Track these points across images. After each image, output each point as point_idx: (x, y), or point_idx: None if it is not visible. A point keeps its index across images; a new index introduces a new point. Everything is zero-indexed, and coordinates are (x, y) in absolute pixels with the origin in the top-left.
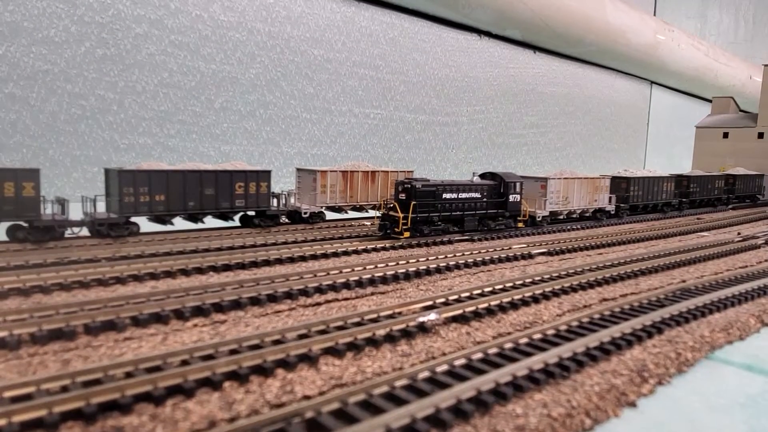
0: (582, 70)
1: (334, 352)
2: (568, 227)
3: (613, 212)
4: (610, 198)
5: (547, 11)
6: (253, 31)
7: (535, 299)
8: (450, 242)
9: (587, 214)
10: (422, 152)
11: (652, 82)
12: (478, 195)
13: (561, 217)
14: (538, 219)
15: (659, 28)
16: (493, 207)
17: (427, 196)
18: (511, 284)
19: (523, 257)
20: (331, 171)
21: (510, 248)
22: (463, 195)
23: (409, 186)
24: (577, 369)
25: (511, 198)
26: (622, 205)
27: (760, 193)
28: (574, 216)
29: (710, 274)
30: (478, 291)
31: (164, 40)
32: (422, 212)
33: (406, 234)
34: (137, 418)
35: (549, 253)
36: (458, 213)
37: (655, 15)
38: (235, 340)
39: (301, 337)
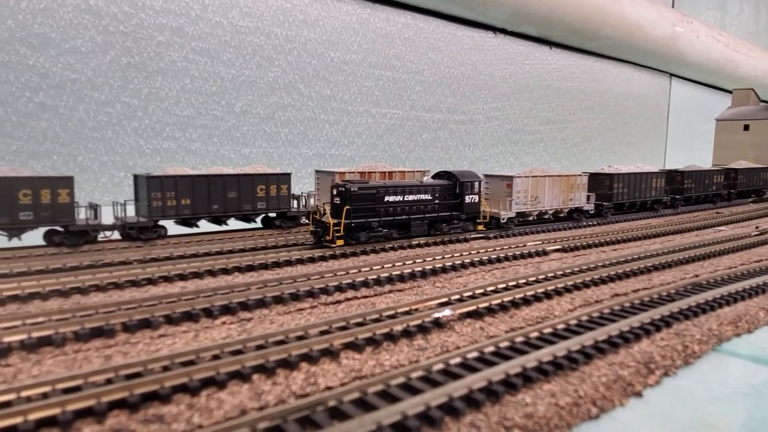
0: (599, 65)
1: (354, 346)
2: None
3: (592, 212)
4: (588, 196)
5: (562, 6)
6: (271, 35)
7: (548, 295)
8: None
9: (562, 215)
10: (439, 151)
11: (672, 75)
12: (428, 197)
13: (531, 218)
14: (503, 221)
15: (678, 19)
16: (447, 209)
17: (365, 200)
18: (524, 281)
19: (538, 254)
20: (349, 172)
21: (525, 245)
22: (410, 197)
23: (344, 189)
24: (585, 361)
25: (468, 199)
26: (604, 203)
27: (767, 187)
28: (546, 217)
29: (724, 269)
30: (492, 287)
31: (185, 47)
32: (359, 217)
33: (340, 242)
34: (176, 407)
35: (563, 250)
36: (403, 217)
37: (673, 7)
38: (262, 336)
39: (323, 333)
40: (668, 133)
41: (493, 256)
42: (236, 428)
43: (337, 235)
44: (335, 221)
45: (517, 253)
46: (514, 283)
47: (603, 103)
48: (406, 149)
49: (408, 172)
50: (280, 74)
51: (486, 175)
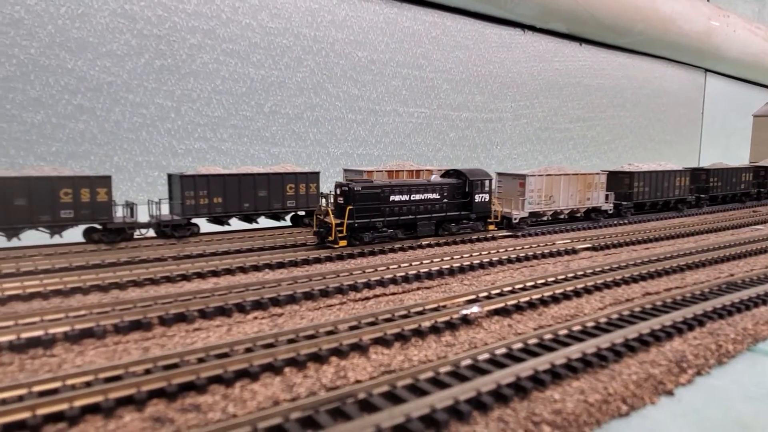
0: (631, 61)
1: (382, 342)
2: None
3: (611, 211)
4: (607, 196)
5: (593, 2)
6: (300, 36)
7: (577, 293)
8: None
9: (578, 215)
10: (466, 149)
11: (707, 70)
12: (435, 196)
13: (545, 218)
14: (515, 221)
15: (713, 13)
16: (455, 208)
17: (370, 199)
18: (553, 279)
19: (567, 252)
20: (377, 171)
21: (554, 244)
22: (417, 196)
23: (347, 188)
24: (615, 359)
25: (478, 198)
26: (624, 203)
27: None
28: (562, 217)
29: (761, 268)
30: (521, 285)
31: (216, 48)
32: (363, 217)
33: (342, 243)
34: (211, 397)
35: (594, 249)
36: (409, 217)
37: (708, 0)
38: (293, 330)
39: (353, 328)
40: (703, 130)
41: (521, 255)
42: (270, 417)
43: (339, 235)
44: (338, 221)
45: (546, 251)
46: (542, 281)
47: (635, 100)
48: (434, 148)
49: (436, 170)
50: (309, 74)
51: (499, 174)
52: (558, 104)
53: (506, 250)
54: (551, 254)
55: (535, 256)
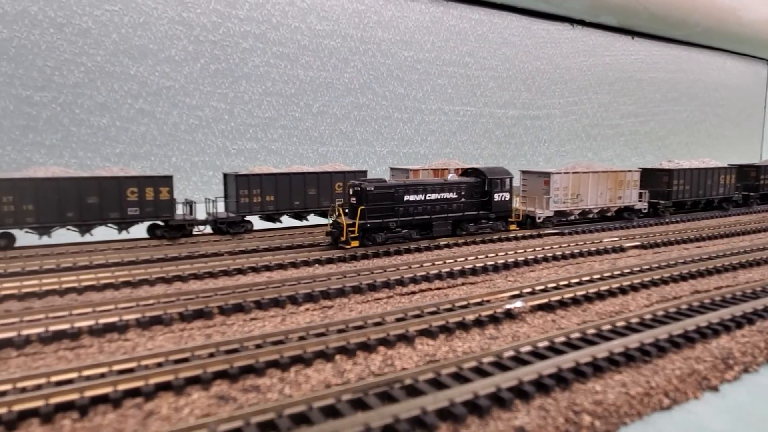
0: (687, 53)
1: (428, 333)
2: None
3: (645, 210)
4: (640, 194)
5: None
6: (347, 37)
7: (623, 290)
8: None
9: (609, 214)
10: (513, 147)
11: None
12: (452, 195)
13: (572, 217)
14: (539, 220)
15: None
16: (474, 208)
17: (383, 199)
18: (598, 276)
19: (614, 250)
20: (422, 169)
21: (601, 241)
22: (433, 196)
23: (359, 188)
24: (658, 354)
25: (497, 197)
26: (662, 202)
27: None
28: (591, 216)
29: None
30: (565, 282)
31: (267, 52)
32: (375, 218)
33: (354, 243)
34: (269, 379)
35: (642, 246)
36: (424, 217)
37: None
38: (342, 321)
39: (399, 320)
40: (766, 125)
41: (567, 252)
42: (324, 398)
43: (351, 236)
44: (350, 222)
45: (593, 249)
46: (587, 277)
47: (691, 94)
48: (480, 146)
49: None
50: (356, 75)
51: (523, 172)
52: (609, 100)
53: (551, 248)
54: (598, 252)
55: (581, 254)
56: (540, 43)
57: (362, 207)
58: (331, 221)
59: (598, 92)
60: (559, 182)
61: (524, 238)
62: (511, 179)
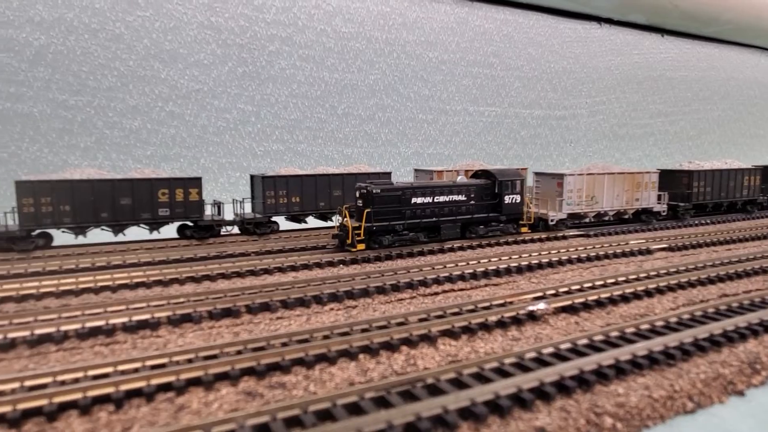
0: (718, 51)
1: (450, 334)
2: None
3: (664, 213)
4: (659, 196)
5: None
6: (372, 39)
7: (649, 293)
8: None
9: (626, 216)
10: (538, 148)
11: None
12: (461, 197)
13: (587, 220)
14: (551, 222)
15: None
16: (483, 210)
17: (390, 202)
18: (623, 278)
19: (641, 253)
20: (447, 171)
21: (627, 243)
22: (441, 198)
23: (365, 191)
24: (683, 358)
25: (507, 199)
26: (681, 204)
27: None
28: (606, 219)
29: None
30: (589, 284)
31: (293, 54)
32: (382, 220)
33: (360, 246)
34: (294, 377)
35: (670, 249)
36: (432, 219)
37: None
38: (366, 321)
39: (422, 320)
40: None
41: (591, 254)
42: (348, 395)
43: (357, 239)
44: (356, 224)
45: (618, 251)
46: (612, 280)
47: (723, 92)
48: (504, 147)
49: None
50: (380, 76)
51: (536, 174)
52: (637, 99)
53: (576, 249)
54: (624, 254)
55: (606, 256)
56: (567, 42)
57: (368, 209)
58: (337, 224)
59: (627, 91)
60: (572, 184)
61: (548, 239)
62: (522, 181)
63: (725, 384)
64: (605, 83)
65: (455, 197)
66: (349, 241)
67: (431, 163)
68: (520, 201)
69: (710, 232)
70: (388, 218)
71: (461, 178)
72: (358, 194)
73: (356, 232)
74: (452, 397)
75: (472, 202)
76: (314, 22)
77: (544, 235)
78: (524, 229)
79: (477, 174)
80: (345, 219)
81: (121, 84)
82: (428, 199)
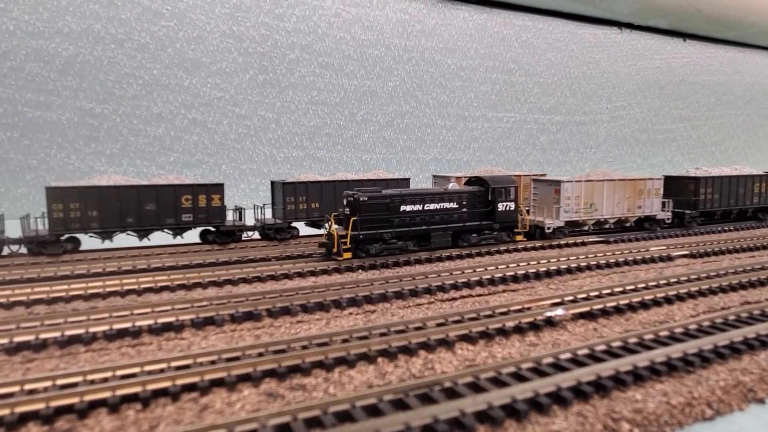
0: (743, 55)
1: (468, 338)
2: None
3: (669, 221)
4: (663, 203)
5: None
6: (390, 46)
7: (668, 300)
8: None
9: (628, 224)
10: (558, 153)
11: None
12: (452, 205)
13: (586, 228)
14: (548, 230)
15: None
16: (476, 218)
17: (377, 210)
18: (643, 285)
19: (662, 259)
20: (464, 177)
21: (647, 250)
22: (431, 206)
23: (352, 199)
24: (702, 365)
25: (501, 206)
26: (688, 211)
27: None
28: (607, 227)
29: None
30: (608, 290)
31: (313, 62)
32: (369, 228)
33: (347, 255)
34: (314, 379)
35: (691, 256)
36: (421, 228)
37: None
38: (385, 325)
39: (440, 325)
40: None
41: (611, 260)
42: (366, 397)
43: (344, 247)
44: (343, 232)
45: (638, 257)
46: (632, 286)
47: (748, 96)
48: (523, 153)
49: (524, 175)
50: (399, 83)
51: (534, 180)
52: (659, 104)
53: (595, 256)
54: (644, 260)
55: (626, 262)
56: (586, 48)
57: (354, 218)
58: (325, 232)
59: (648, 96)
60: (570, 191)
61: (567, 246)
62: (516, 189)
63: (745, 391)
64: (626, 88)
65: (446, 205)
66: (335, 250)
67: (450, 169)
68: (514, 208)
69: (732, 239)
70: (375, 226)
71: (453, 185)
72: (345, 202)
73: (342, 240)
74: (469, 401)
75: (464, 209)
76: (334, 30)
77: (538, 244)
78: (519, 238)
79: (471, 181)
80: (331, 227)
81: (145, 92)
82: (418, 207)
